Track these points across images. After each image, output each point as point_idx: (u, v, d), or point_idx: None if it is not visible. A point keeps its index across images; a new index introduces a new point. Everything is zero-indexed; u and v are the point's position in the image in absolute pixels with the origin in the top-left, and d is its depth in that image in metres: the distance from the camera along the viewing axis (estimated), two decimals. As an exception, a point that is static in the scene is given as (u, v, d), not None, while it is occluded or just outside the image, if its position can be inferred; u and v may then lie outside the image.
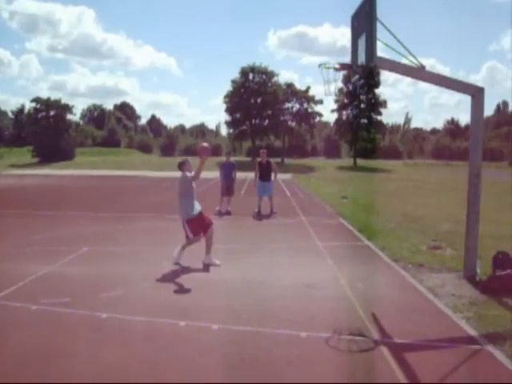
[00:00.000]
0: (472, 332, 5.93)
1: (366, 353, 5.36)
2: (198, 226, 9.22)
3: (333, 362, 5.10)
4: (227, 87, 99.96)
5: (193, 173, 9.20)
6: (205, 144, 9.34)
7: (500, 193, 23.84)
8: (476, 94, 8.19)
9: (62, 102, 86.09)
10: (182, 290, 7.63)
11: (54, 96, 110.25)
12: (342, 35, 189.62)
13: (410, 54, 7.79)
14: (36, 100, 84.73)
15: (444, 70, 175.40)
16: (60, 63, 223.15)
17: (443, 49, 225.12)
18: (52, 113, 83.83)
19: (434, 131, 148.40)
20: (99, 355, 5.16)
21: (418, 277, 8.48)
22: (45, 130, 79.05)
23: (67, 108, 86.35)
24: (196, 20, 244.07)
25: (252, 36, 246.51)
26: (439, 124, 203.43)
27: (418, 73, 8.14)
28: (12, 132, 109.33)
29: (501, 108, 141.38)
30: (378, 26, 7.54)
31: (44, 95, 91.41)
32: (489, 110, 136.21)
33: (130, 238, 11.89)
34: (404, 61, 7.92)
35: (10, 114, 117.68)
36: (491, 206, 15.45)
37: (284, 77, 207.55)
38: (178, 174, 9.33)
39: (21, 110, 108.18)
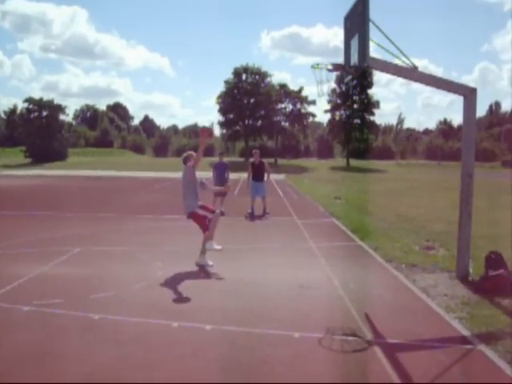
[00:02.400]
0: (465, 332, 5.94)
1: (359, 353, 5.36)
2: (204, 214, 9.16)
3: (326, 363, 5.10)
4: (220, 88, 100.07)
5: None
6: (206, 126, 9.30)
7: (492, 193, 23.91)
8: (468, 94, 8.22)
9: (55, 102, 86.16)
10: (175, 290, 7.60)
11: (46, 96, 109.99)
12: (335, 36, 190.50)
13: (403, 54, 7.81)
14: (28, 100, 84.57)
15: (437, 71, 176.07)
16: (53, 63, 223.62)
17: (436, 50, 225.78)
18: (45, 113, 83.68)
19: (426, 132, 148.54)
20: (91, 356, 5.14)
21: (411, 277, 8.50)
22: (37, 131, 78.86)
23: (60, 108, 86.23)
24: (189, 20, 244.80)
25: (245, 37, 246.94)
26: (432, 124, 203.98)
27: (411, 73, 8.15)
28: (4, 132, 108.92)
29: (493, 108, 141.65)
30: (371, 26, 7.55)
31: (36, 95, 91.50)
32: (481, 111, 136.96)
33: (122, 239, 11.84)
34: (397, 61, 7.94)
35: (2, 115, 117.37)
36: (483, 207, 15.49)
37: (277, 77, 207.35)
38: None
39: (13, 111, 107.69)
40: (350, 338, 5.75)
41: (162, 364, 4.97)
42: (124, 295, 7.28)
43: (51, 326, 6.04)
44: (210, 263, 9.05)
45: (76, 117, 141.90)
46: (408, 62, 7.88)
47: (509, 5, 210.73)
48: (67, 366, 4.90)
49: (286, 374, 4.79)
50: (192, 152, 9.59)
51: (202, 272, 8.80)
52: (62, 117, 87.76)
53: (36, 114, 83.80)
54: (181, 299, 7.18)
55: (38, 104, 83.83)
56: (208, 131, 8.95)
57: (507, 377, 4.76)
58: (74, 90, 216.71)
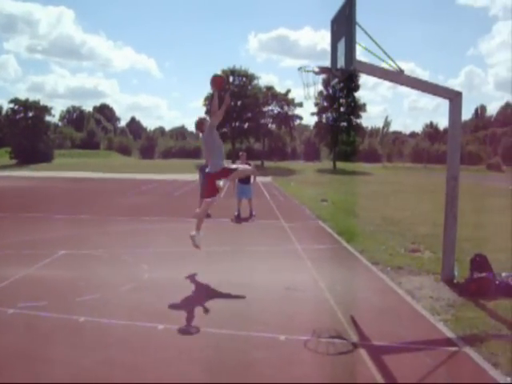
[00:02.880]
0: (450, 334, 5.96)
1: (345, 355, 5.36)
2: (209, 188, 9.18)
3: (312, 365, 5.10)
4: (207, 89, 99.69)
5: None
6: (217, 74, 8.75)
7: (478, 196, 24.07)
8: (454, 98, 8.26)
9: (41, 103, 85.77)
10: (160, 293, 7.56)
11: (32, 97, 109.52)
12: (323, 38, 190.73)
13: (389, 57, 7.84)
14: (14, 101, 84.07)
15: (423, 74, 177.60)
16: (39, 64, 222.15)
17: (423, 53, 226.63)
18: (30, 114, 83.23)
19: (412, 134, 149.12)
20: (76, 359, 5.10)
21: (397, 279, 8.52)
22: (23, 132, 78.43)
23: (46, 109, 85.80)
24: (177, 22, 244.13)
25: (233, 39, 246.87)
26: (418, 127, 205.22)
27: (397, 77, 8.19)
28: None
29: (478, 112, 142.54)
30: (358, 29, 7.58)
31: (22, 96, 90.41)
32: (467, 114, 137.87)
33: (108, 241, 11.79)
34: (383, 65, 7.97)
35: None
36: (469, 209, 15.57)
37: (264, 80, 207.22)
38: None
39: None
40: (336, 340, 5.76)
41: (148, 367, 4.95)
42: (110, 297, 7.24)
43: (36, 328, 5.99)
44: (199, 246, 9.00)
45: (62, 118, 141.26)
46: (394, 65, 7.92)
47: (494, 9, 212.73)
48: (52, 369, 4.86)
49: (273, 377, 4.78)
50: (201, 117, 9.53)
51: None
52: (47, 118, 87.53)
53: (22, 114, 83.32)
54: (167, 302, 7.14)
55: (24, 105, 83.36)
56: (220, 81, 8.30)
57: (491, 378, 4.79)
58: (60, 90, 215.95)
